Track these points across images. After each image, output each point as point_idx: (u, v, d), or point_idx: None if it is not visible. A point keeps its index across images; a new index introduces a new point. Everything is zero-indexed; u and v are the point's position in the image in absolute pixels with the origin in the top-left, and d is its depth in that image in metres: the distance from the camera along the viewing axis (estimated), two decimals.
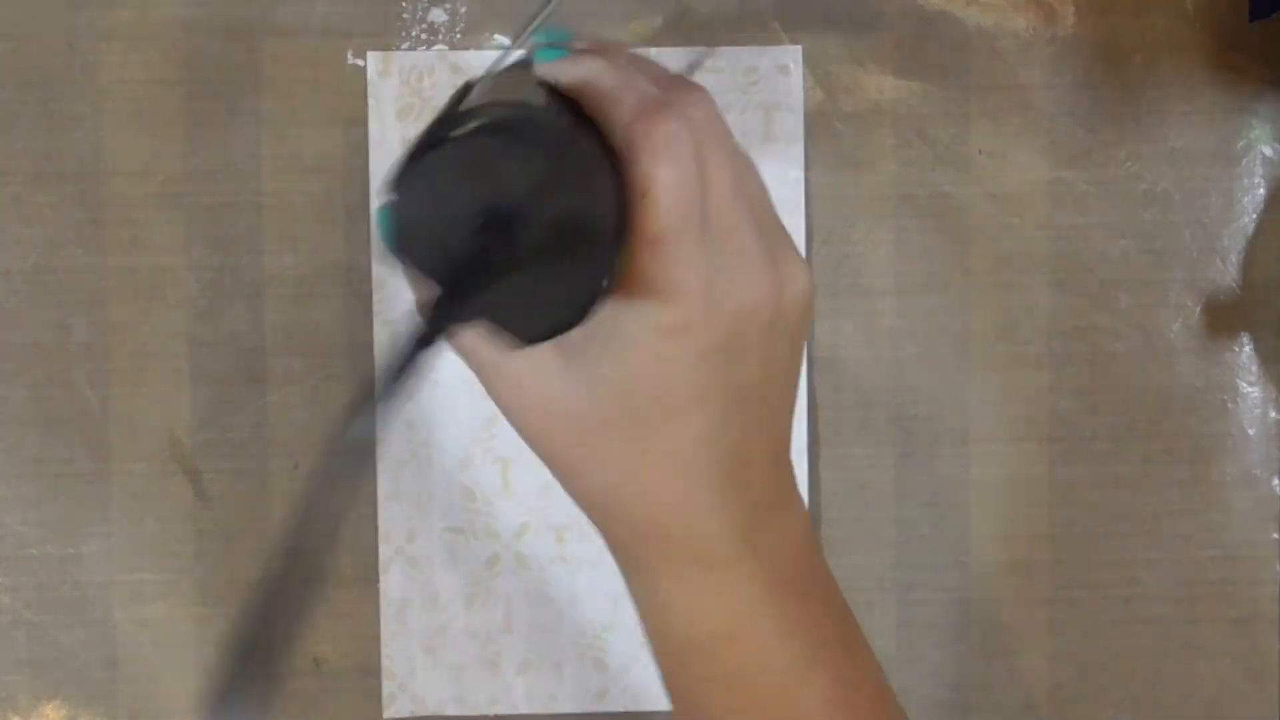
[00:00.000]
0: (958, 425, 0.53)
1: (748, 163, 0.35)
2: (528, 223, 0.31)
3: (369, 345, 0.52)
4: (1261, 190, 0.53)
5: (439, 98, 0.52)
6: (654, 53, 0.52)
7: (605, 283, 0.31)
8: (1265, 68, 0.53)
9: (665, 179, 0.31)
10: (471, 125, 0.31)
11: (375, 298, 0.52)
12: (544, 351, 0.33)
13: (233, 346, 0.52)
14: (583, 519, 0.52)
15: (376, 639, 0.52)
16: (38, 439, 0.52)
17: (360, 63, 0.52)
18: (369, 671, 0.53)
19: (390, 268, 0.33)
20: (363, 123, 0.52)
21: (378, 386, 0.29)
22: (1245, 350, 0.53)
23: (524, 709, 0.53)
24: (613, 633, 0.52)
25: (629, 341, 0.32)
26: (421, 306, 0.34)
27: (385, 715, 0.52)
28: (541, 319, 0.31)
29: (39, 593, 0.52)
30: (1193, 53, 0.53)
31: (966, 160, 0.53)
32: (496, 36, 0.52)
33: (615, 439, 0.33)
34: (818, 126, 0.52)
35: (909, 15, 0.53)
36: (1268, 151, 0.53)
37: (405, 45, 0.52)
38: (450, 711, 0.52)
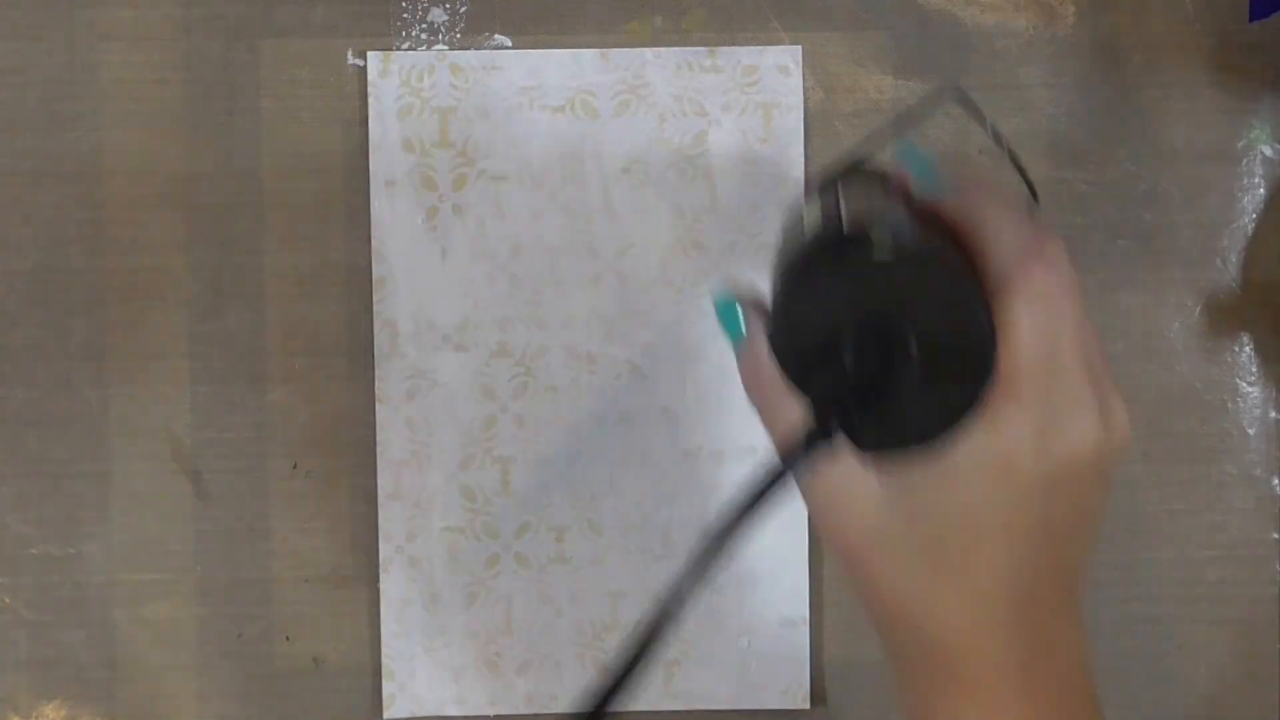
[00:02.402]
0: None
1: (1086, 305, 0.36)
2: (909, 342, 0.32)
3: (369, 345, 0.52)
4: (1261, 190, 0.53)
5: (439, 98, 0.52)
6: (653, 53, 0.52)
7: (969, 411, 0.33)
8: (1265, 68, 0.53)
9: (1034, 326, 0.33)
10: (855, 248, 0.33)
11: (375, 298, 0.52)
12: (866, 470, 0.35)
13: (233, 346, 0.52)
14: (583, 519, 0.52)
15: (376, 639, 0.52)
16: (38, 439, 0.52)
17: (360, 63, 0.52)
18: (369, 671, 0.53)
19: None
20: (363, 123, 0.52)
21: (757, 487, 0.31)
22: (1245, 350, 0.53)
23: (524, 709, 0.53)
24: (613, 633, 0.52)
25: (953, 470, 0.33)
26: (764, 394, 0.35)
27: (385, 715, 0.52)
28: (902, 435, 0.33)
29: (39, 593, 0.52)
30: (1193, 53, 0.53)
31: (966, 160, 0.53)
32: (496, 36, 0.52)
33: (919, 562, 0.34)
34: (818, 126, 0.52)
35: (909, 15, 0.53)
36: (1268, 151, 0.53)
37: (405, 45, 0.52)
38: (450, 711, 0.52)
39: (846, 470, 0.35)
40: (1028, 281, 0.33)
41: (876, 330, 0.32)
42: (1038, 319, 0.33)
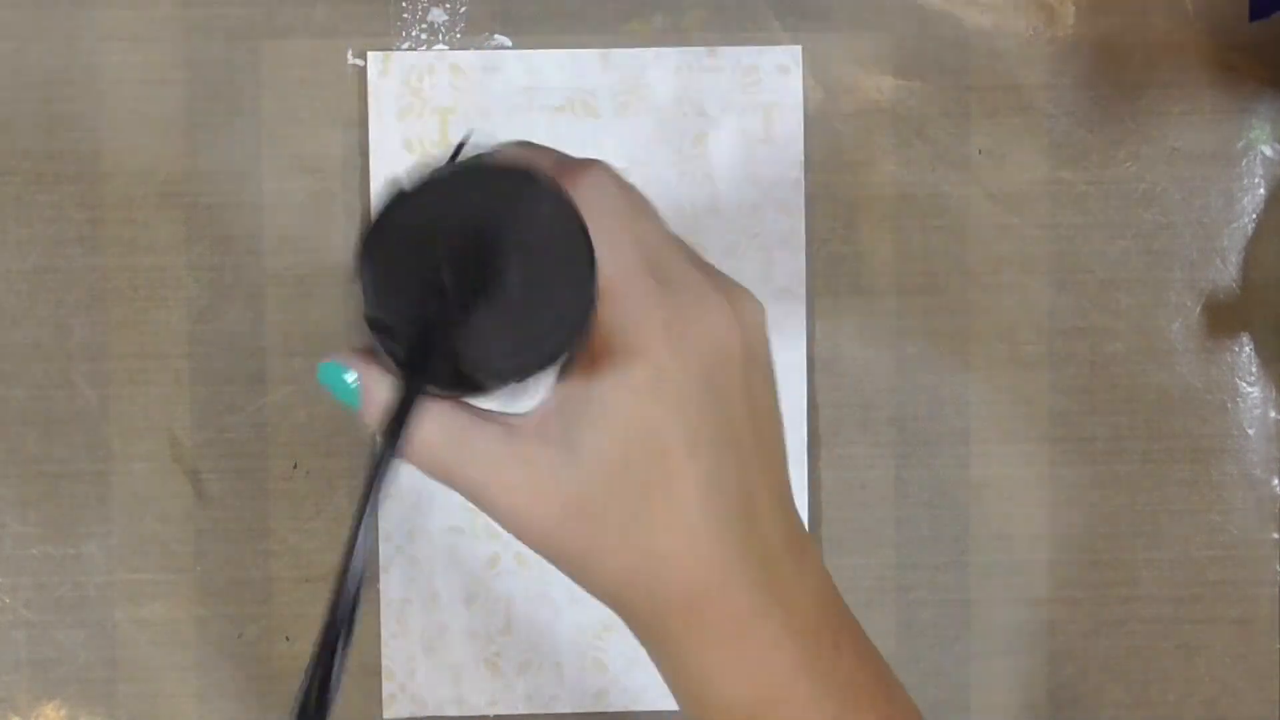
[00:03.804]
0: (958, 425, 0.53)
1: (659, 217, 0.35)
2: (496, 262, 0.30)
3: (369, 346, 0.52)
4: (1261, 190, 0.53)
5: (439, 98, 0.52)
6: (653, 53, 0.52)
7: (581, 312, 0.30)
8: (1265, 68, 0.53)
9: (597, 228, 0.31)
10: (421, 179, 0.31)
11: None
12: (529, 445, 0.32)
13: (233, 346, 0.52)
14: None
15: (376, 639, 0.52)
16: (38, 439, 0.52)
17: (360, 63, 0.52)
18: (369, 671, 0.53)
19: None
20: (363, 123, 0.52)
21: (369, 480, 0.29)
22: (1245, 350, 0.53)
23: (524, 709, 0.53)
24: (613, 633, 0.52)
25: (606, 407, 0.31)
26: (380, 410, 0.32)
27: (385, 715, 0.52)
28: (516, 358, 0.30)
29: (39, 593, 0.52)
30: (1193, 53, 0.53)
31: (966, 160, 0.53)
32: (496, 36, 0.52)
33: (617, 510, 0.32)
34: (818, 126, 0.52)
35: (909, 15, 0.53)
36: (1268, 151, 0.53)
37: (405, 45, 0.52)
38: (450, 712, 0.52)
39: (511, 458, 0.32)
40: (580, 190, 0.31)
41: (459, 249, 0.30)
42: (605, 224, 0.31)
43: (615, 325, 0.31)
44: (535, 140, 0.52)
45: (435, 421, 0.33)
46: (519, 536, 0.33)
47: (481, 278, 0.30)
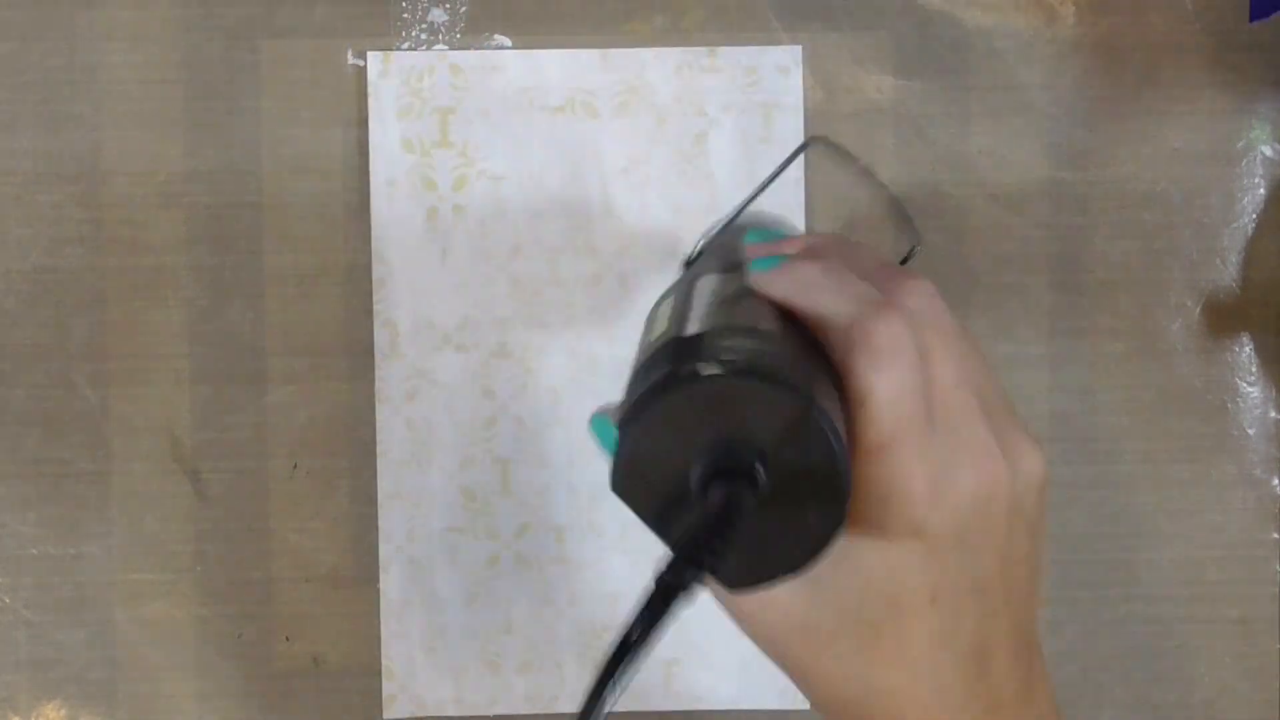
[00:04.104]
0: None
1: (972, 345, 0.34)
2: (762, 471, 0.30)
3: (369, 345, 0.52)
4: (1261, 190, 0.53)
5: (439, 98, 0.52)
6: (653, 53, 0.52)
7: (839, 527, 0.30)
8: (1265, 68, 0.53)
9: (882, 387, 0.31)
10: (699, 369, 0.30)
11: (375, 297, 0.52)
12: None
13: (233, 346, 0.52)
14: (583, 519, 0.52)
15: (376, 639, 0.52)
16: (38, 439, 0.52)
17: (360, 63, 0.52)
18: (369, 671, 0.53)
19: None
20: (363, 123, 0.52)
21: (623, 647, 0.29)
22: (1245, 350, 0.53)
23: (524, 709, 0.53)
24: (613, 633, 0.52)
25: (860, 553, 0.31)
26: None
27: (385, 715, 0.52)
28: (768, 570, 0.31)
29: (39, 593, 0.52)
30: (1193, 53, 0.53)
31: (966, 160, 0.53)
32: (496, 36, 0.52)
33: (847, 647, 0.32)
34: (818, 126, 0.52)
35: (909, 15, 0.53)
36: (1268, 151, 0.53)
37: (405, 45, 0.52)
38: (450, 712, 0.52)
39: None
40: (865, 341, 0.31)
41: (720, 462, 0.30)
42: (890, 377, 0.31)
43: (879, 480, 0.31)
44: (539, 146, 0.52)
45: None
46: (760, 647, 0.34)
47: (741, 490, 0.30)
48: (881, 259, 0.35)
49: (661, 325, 0.34)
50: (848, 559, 0.32)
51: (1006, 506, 0.32)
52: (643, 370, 0.32)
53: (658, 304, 0.38)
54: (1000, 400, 0.33)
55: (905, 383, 0.31)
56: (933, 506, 0.31)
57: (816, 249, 0.36)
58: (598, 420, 0.34)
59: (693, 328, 0.32)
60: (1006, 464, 0.32)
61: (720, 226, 0.40)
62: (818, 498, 0.30)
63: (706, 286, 0.36)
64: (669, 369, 0.31)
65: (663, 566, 0.29)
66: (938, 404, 0.32)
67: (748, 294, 0.35)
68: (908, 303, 0.32)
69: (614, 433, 0.32)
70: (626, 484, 0.31)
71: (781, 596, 0.32)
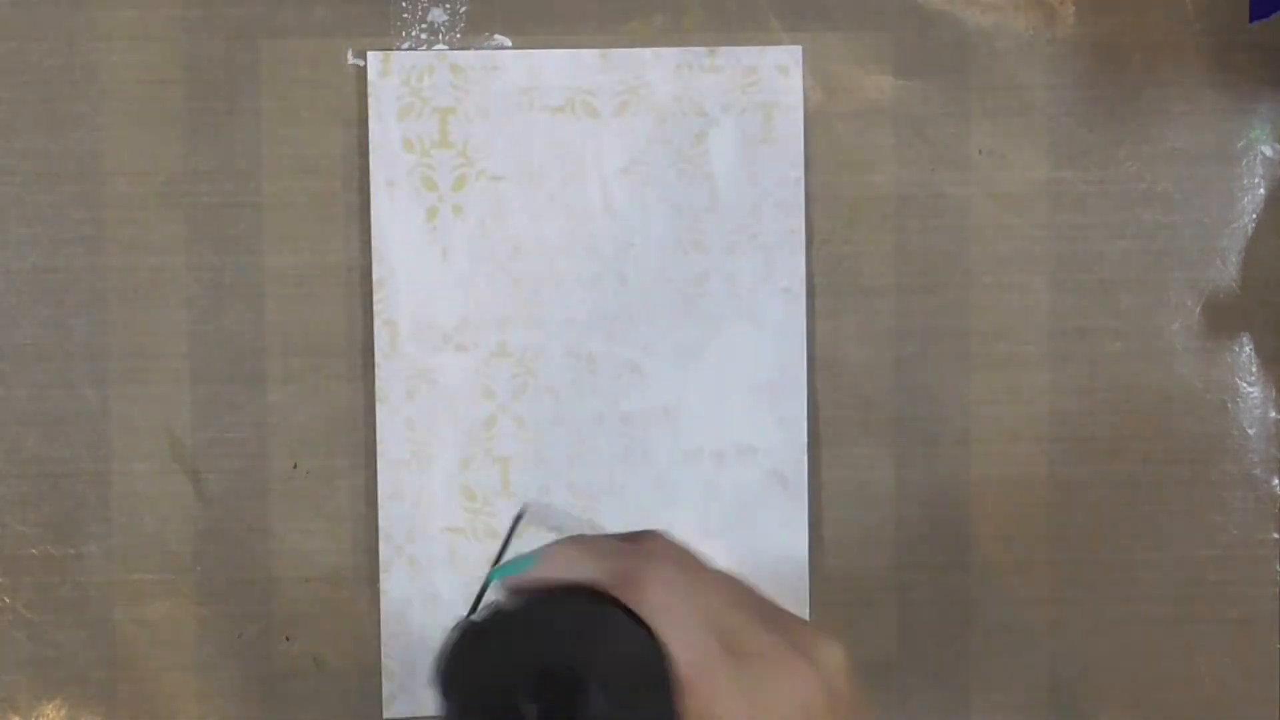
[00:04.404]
0: (958, 425, 0.53)
1: (728, 576, 0.35)
2: (584, 693, 0.31)
3: (369, 345, 0.52)
4: (1261, 190, 0.53)
5: (439, 98, 0.52)
6: (653, 53, 0.52)
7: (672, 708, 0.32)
8: (1265, 68, 0.53)
9: (668, 625, 0.32)
10: (493, 616, 0.32)
11: (375, 297, 0.52)
12: None
13: (233, 346, 0.52)
14: (583, 519, 0.52)
15: (376, 639, 0.52)
16: (38, 439, 0.52)
17: (360, 63, 0.52)
18: (369, 671, 0.53)
19: None
20: (363, 123, 0.52)
21: None
22: (1245, 350, 0.53)
23: None
24: None
25: None
26: None
27: (385, 715, 0.52)
28: None
29: (39, 593, 0.52)
30: (1193, 53, 0.53)
31: (966, 160, 0.53)
32: (496, 36, 0.52)
33: None
34: (818, 126, 0.52)
35: (909, 15, 0.53)
36: (1268, 151, 0.53)
37: (405, 45, 0.52)
38: None
39: None
40: (644, 594, 0.33)
41: (538, 687, 0.32)
42: (674, 617, 0.32)
43: (700, 712, 0.32)
44: (539, 146, 0.52)
45: None
46: None
47: (565, 715, 0.31)
48: (609, 535, 0.37)
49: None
50: None
51: (824, 699, 0.33)
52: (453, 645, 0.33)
53: None
54: (774, 608, 0.35)
55: (687, 618, 0.32)
56: None
57: (561, 543, 0.37)
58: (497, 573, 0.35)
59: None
60: (808, 661, 0.33)
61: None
62: (649, 708, 0.31)
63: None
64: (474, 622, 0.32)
65: None
66: (724, 630, 0.33)
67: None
68: (663, 551, 0.34)
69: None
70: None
71: None
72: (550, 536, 0.36)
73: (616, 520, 0.52)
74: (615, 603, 0.33)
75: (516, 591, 0.35)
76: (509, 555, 0.35)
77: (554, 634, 0.32)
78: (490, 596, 0.35)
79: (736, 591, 0.35)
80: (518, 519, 0.37)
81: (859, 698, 0.35)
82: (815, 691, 0.33)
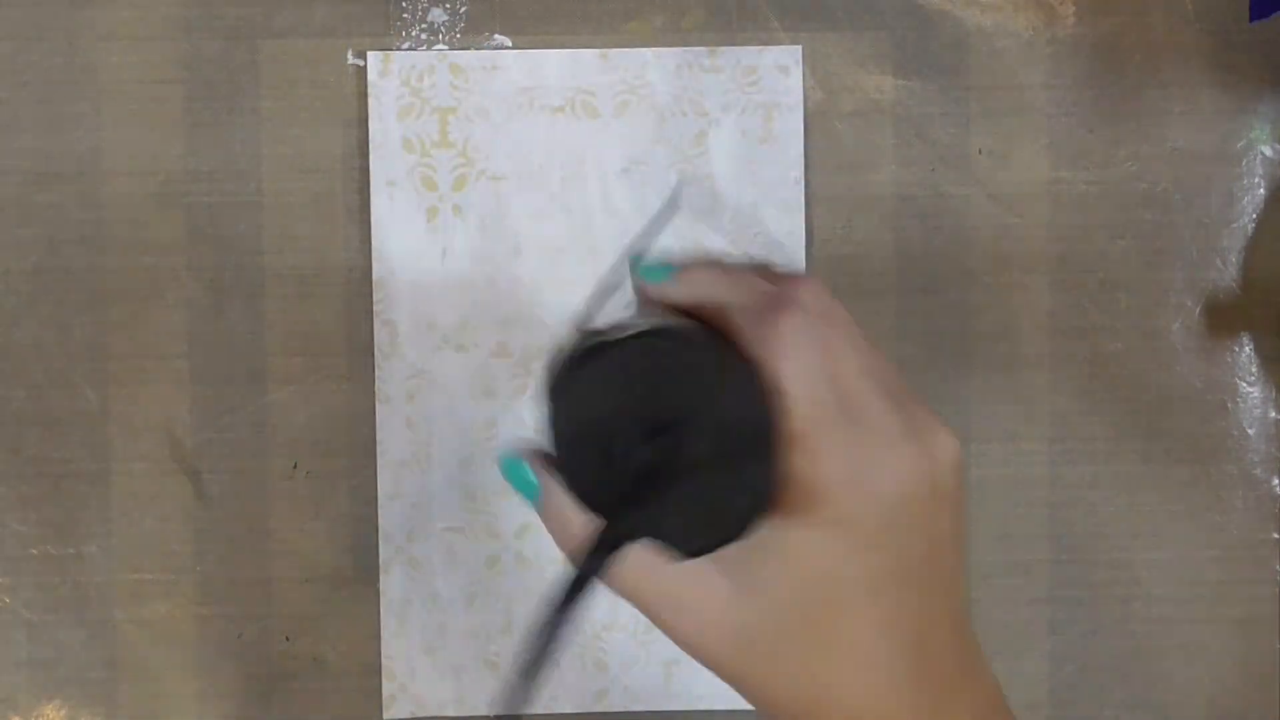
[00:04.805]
0: (958, 425, 0.53)
1: (870, 342, 0.34)
2: (691, 434, 0.31)
3: (369, 345, 0.52)
4: (1261, 190, 0.53)
5: (439, 98, 0.52)
6: (653, 53, 0.52)
7: (770, 488, 0.31)
8: (1265, 68, 0.53)
9: (791, 373, 0.31)
10: (618, 337, 0.31)
11: (375, 297, 0.52)
12: (703, 568, 0.33)
13: (233, 346, 0.52)
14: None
15: (376, 639, 0.52)
16: (38, 439, 0.52)
17: (360, 63, 0.52)
18: (369, 671, 0.53)
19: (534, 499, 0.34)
20: (363, 123, 0.52)
21: (549, 611, 0.30)
22: (1245, 350, 0.53)
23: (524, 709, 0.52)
24: (613, 633, 0.52)
25: (788, 546, 0.32)
26: (569, 536, 0.33)
27: (385, 715, 0.52)
28: (708, 531, 0.31)
29: (39, 593, 0.52)
30: (1193, 53, 0.53)
31: (966, 160, 0.53)
32: (496, 36, 0.52)
33: (793, 647, 0.32)
34: (818, 126, 0.52)
35: (909, 15, 0.53)
36: (1268, 151, 0.53)
37: (405, 45, 0.52)
38: (450, 712, 0.52)
39: (685, 577, 0.33)
40: (768, 335, 0.31)
41: (646, 423, 0.31)
42: (800, 366, 0.31)
43: (803, 469, 0.31)
44: (539, 146, 0.52)
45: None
46: (694, 657, 0.34)
47: (675, 450, 0.31)
48: (770, 266, 0.36)
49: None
50: (780, 557, 0.32)
51: (928, 490, 0.32)
52: (563, 358, 0.32)
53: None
54: (904, 390, 0.34)
55: (813, 370, 0.31)
56: (856, 496, 0.31)
57: (706, 261, 0.36)
58: (509, 461, 0.34)
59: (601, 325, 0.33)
60: (921, 448, 0.32)
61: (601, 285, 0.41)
62: (750, 456, 0.31)
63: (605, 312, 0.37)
64: (594, 339, 0.31)
65: (602, 525, 0.30)
66: (846, 394, 0.32)
67: (647, 304, 0.35)
68: (803, 298, 0.33)
69: (527, 473, 0.33)
70: (561, 456, 0.31)
71: (719, 604, 0.32)
72: (697, 227, 0.35)
73: None
74: (735, 345, 0.32)
75: (644, 302, 0.34)
76: (653, 240, 0.34)
77: (665, 371, 0.31)
78: (618, 277, 0.35)
79: (870, 360, 0.33)
80: (674, 199, 0.36)
81: (961, 498, 0.34)
82: (921, 478, 0.32)
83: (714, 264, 0.35)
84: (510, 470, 0.34)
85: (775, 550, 0.32)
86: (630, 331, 0.32)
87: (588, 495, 0.31)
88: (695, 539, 0.31)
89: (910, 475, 0.32)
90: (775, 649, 0.32)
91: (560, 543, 0.34)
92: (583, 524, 0.32)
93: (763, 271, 0.35)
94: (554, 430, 0.32)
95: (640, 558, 0.33)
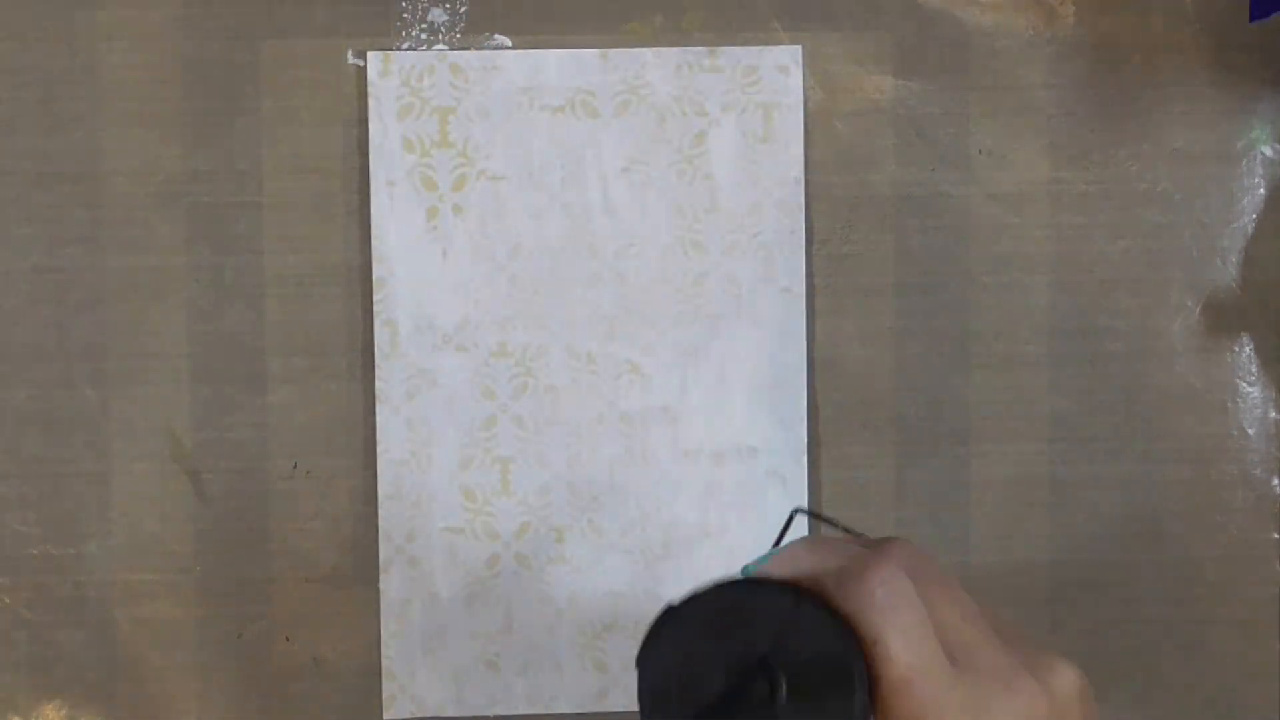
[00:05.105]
0: (958, 425, 0.53)
1: (961, 589, 0.35)
2: (779, 681, 0.31)
3: (369, 345, 0.52)
4: (1261, 190, 0.53)
5: (439, 98, 0.52)
6: (653, 53, 0.52)
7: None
8: (1265, 68, 0.53)
9: (888, 622, 0.31)
10: (714, 590, 0.32)
11: (375, 297, 0.52)
12: None
13: (233, 346, 0.52)
14: (583, 519, 0.52)
15: (376, 639, 0.52)
16: (38, 439, 0.52)
17: (360, 63, 0.52)
18: (369, 671, 0.53)
19: None
20: (363, 123, 0.52)
21: None
22: (1245, 350, 0.53)
23: (524, 709, 0.52)
24: (613, 633, 0.52)
25: None
26: None
27: (385, 715, 0.52)
28: None
29: (39, 593, 0.52)
30: (1193, 53, 0.53)
31: (966, 160, 0.53)
32: (496, 36, 0.52)
33: None
34: (818, 126, 0.52)
35: (909, 15, 0.53)
36: (1268, 151, 0.53)
37: (405, 45, 0.52)
38: (450, 712, 0.52)
39: None
40: (863, 588, 0.32)
41: (734, 672, 0.32)
42: (897, 615, 0.31)
43: (914, 712, 0.31)
44: (539, 146, 0.52)
45: None
46: None
47: (758, 703, 0.31)
48: (863, 536, 0.37)
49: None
50: None
51: None
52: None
53: None
54: (1011, 628, 0.34)
55: (912, 620, 0.31)
56: None
57: (800, 539, 0.37)
58: (750, 569, 0.35)
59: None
60: (1039, 684, 0.32)
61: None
62: (833, 698, 0.31)
63: None
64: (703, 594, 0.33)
65: None
66: (954, 642, 0.32)
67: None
68: (894, 553, 0.33)
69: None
70: (656, 704, 0.33)
71: None
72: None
73: (616, 519, 0.52)
74: (820, 599, 0.32)
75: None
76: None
77: (745, 623, 0.32)
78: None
79: (972, 607, 0.33)
80: (791, 519, 0.38)
81: (1079, 715, 0.33)
82: (1041, 715, 0.32)
83: (810, 540, 0.35)
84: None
85: None
86: (702, 593, 0.33)
87: None
88: None
89: (1029, 712, 0.32)
90: None
91: None
92: None
93: (860, 540, 0.35)
94: (643, 689, 0.33)
95: None
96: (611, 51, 0.52)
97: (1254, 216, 0.53)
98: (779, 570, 0.35)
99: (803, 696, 0.31)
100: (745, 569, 0.36)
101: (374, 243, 0.52)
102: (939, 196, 0.53)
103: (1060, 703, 0.32)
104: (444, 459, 0.52)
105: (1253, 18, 0.51)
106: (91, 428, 0.52)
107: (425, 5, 0.52)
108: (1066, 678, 0.33)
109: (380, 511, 0.52)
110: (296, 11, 0.52)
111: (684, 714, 0.32)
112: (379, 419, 0.52)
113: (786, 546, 0.35)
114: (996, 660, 0.32)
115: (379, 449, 0.52)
